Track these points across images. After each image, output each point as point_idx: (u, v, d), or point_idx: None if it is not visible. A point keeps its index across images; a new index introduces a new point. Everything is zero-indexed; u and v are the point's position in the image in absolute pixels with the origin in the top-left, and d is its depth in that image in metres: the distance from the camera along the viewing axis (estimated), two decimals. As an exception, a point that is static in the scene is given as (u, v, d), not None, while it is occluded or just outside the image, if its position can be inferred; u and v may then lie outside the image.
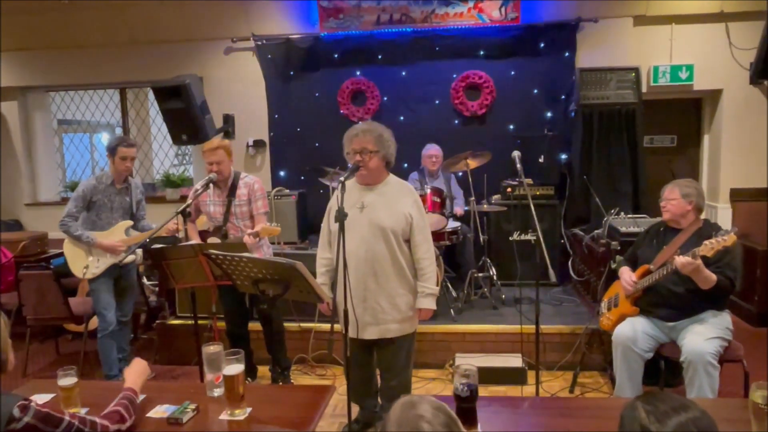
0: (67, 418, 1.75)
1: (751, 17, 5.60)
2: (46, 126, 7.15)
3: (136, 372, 2.23)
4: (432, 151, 5.48)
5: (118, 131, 7.90)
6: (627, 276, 3.39)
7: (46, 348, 5.10)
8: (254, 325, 4.27)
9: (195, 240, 3.88)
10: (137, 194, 4.29)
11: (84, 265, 4.09)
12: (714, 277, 3.02)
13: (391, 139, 3.02)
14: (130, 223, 4.23)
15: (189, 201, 3.66)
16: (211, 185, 3.85)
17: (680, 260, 2.98)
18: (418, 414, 1.23)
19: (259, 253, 3.93)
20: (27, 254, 5.77)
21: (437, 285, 3.12)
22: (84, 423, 1.79)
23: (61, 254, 5.97)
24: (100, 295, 4.13)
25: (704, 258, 2.97)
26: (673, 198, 3.27)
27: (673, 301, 3.22)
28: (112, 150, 4.06)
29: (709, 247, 2.90)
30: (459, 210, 5.40)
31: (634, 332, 3.27)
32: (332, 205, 3.10)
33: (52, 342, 5.10)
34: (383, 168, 3.04)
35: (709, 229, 3.18)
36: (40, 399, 2.22)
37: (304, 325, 4.56)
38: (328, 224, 3.13)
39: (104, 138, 8.54)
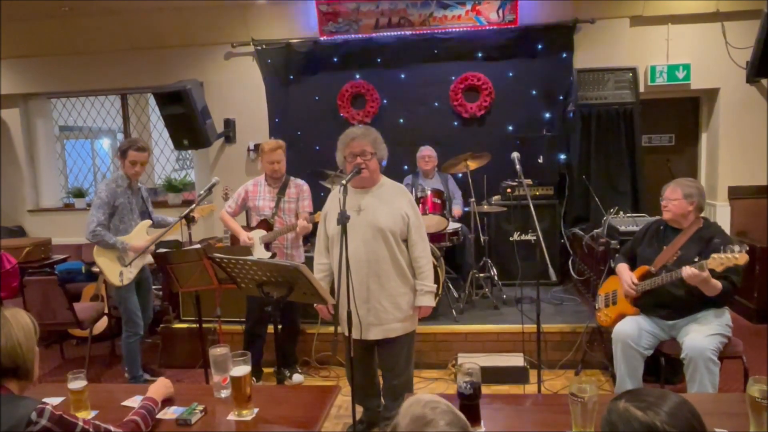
0: (80, 424, 1.75)
1: (746, 16, 5.64)
2: (47, 132, 7.18)
3: (162, 383, 2.30)
4: (425, 152, 5.54)
5: (120, 137, 7.93)
6: (626, 276, 3.39)
7: (51, 353, 5.13)
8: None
9: (241, 233, 4.15)
10: (143, 192, 4.32)
11: (119, 272, 4.04)
12: (720, 285, 3.01)
13: (383, 141, 3.07)
14: (150, 222, 4.23)
15: (193, 206, 3.72)
16: (262, 182, 4.23)
17: (688, 272, 2.98)
18: None
19: (297, 253, 4.30)
20: (30, 260, 5.80)
21: (439, 285, 3.15)
22: (98, 430, 1.80)
23: (66, 260, 6.06)
24: (131, 300, 4.10)
25: (704, 250, 3.00)
26: (675, 198, 3.25)
27: (673, 303, 3.24)
28: (123, 153, 4.01)
29: (719, 262, 2.88)
30: (457, 211, 5.42)
31: (634, 330, 3.29)
32: (328, 210, 3.14)
33: (56, 347, 5.14)
34: (379, 170, 3.08)
35: (710, 231, 3.18)
36: (49, 402, 2.25)
37: (307, 327, 4.59)
38: (325, 230, 3.16)
39: (105, 144, 8.59)
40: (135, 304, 4.14)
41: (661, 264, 3.27)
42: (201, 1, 6.01)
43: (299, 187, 4.27)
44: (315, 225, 4.07)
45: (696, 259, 3.12)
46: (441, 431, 1.16)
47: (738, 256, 2.85)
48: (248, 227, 4.31)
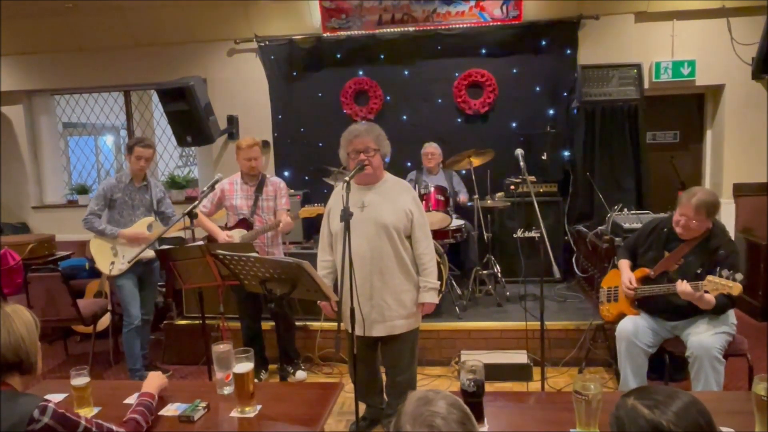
0: (83, 423, 1.74)
1: (752, 12, 5.59)
2: (51, 129, 7.19)
3: (155, 376, 2.29)
4: (429, 149, 5.53)
5: (123, 134, 7.95)
6: (626, 276, 3.34)
7: (55, 349, 5.15)
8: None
9: (219, 233, 4.07)
10: (157, 192, 4.36)
11: (110, 261, 4.17)
12: (713, 301, 2.99)
13: (386, 138, 3.06)
14: (152, 219, 4.30)
15: (196, 203, 3.70)
16: (238, 181, 4.15)
17: (682, 288, 2.98)
18: (432, 410, 1.22)
19: (278, 251, 4.21)
20: (35, 257, 5.81)
21: (442, 282, 3.14)
22: (101, 429, 1.79)
23: (69, 256, 6.07)
24: (125, 290, 4.20)
25: (707, 262, 2.97)
26: (699, 219, 3.08)
27: (674, 309, 3.21)
28: (129, 149, 4.18)
29: (713, 286, 2.90)
30: (463, 197, 5.42)
31: (637, 327, 3.28)
32: (332, 207, 3.13)
33: (60, 343, 5.15)
34: (382, 166, 3.07)
35: (717, 240, 3.12)
36: (52, 399, 2.25)
37: (310, 324, 4.59)
38: (328, 226, 3.15)
39: (108, 140, 8.59)
40: (131, 295, 4.20)
41: (661, 270, 3.23)
42: (204, -3, 6.02)
43: (276, 184, 4.22)
44: (312, 222, 4.07)
45: (698, 271, 3.09)
46: (441, 410, 1.22)
47: (732, 285, 2.85)
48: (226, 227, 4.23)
